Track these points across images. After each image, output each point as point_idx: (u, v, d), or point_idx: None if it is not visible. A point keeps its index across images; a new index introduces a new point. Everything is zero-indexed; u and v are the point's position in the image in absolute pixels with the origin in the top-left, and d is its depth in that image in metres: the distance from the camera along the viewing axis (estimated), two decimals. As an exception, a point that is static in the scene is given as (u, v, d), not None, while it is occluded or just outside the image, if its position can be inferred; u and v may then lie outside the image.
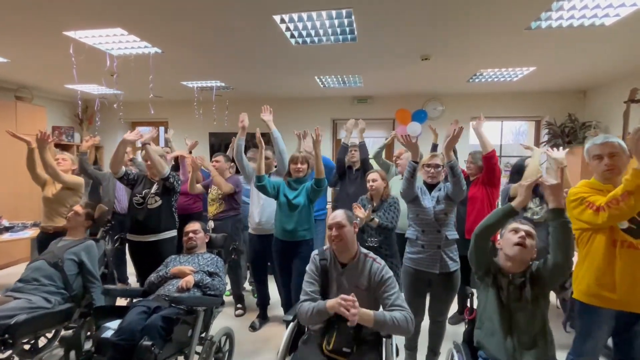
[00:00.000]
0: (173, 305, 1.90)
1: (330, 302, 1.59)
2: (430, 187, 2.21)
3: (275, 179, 2.76)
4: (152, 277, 2.19)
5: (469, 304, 1.83)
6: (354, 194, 3.13)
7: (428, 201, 2.14)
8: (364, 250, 1.80)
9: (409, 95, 5.14)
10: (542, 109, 4.93)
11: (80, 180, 3.16)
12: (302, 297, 1.74)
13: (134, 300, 2.11)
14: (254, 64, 3.65)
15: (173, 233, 2.80)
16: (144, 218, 2.67)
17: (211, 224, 3.12)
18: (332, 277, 1.77)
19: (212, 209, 3.17)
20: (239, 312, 3.22)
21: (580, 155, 4.20)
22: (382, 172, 2.65)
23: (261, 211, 2.84)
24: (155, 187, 2.74)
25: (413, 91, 4.98)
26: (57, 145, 5.54)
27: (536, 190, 2.33)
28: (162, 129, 6.30)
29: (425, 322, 2.23)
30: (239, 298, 3.28)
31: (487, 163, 2.59)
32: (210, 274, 2.23)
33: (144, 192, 2.72)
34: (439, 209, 2.10)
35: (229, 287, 3.34)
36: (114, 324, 1.89)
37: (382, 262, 1.74)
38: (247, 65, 3.72)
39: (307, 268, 1.83)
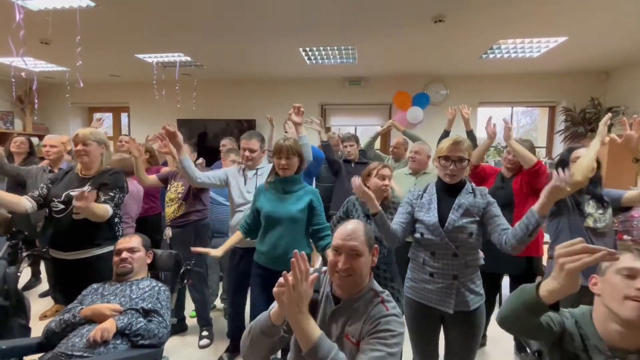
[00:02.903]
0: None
1: (275, 308, 1.00)
2: (451, 189, 1.51)
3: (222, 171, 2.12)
4: (54, 321, 1.47)
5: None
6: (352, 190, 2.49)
7: (435, 212, 1.47)
8: (377, 287, 1.14)
9: (408, 76, 4.49)
10: (558, 93, 4.37)
11: None
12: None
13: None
14: (223, 26, 2.90)
15: (108, 248, 1.99)
16: (67, 230, 1.86)
17: (169, 232, 2.43)
18: (319, 319, 1.13)
19: (169, 211, 2.46)
20: (205, 341, 2.55)
21: (606, 146, 3.65)
22: (391, 167, 1.97)
23: None
24: (88, 189, 1.86)
25: (413, 72, 4.33)
26: (-8, 134, 4.66)
27: (593, 191, 1.77)
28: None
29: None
30: (205, 322, 2.60)
31: (533, 177, 2.01)
32: (146, 313, 1.53)
33: (63, 195, 1.87)
34: (460, 225, 1.41)
35: (194, 307, 2.66)
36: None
37: (392, 310, 1.06)
38: (215, 28, 2.96)
39: None
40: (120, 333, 1.41)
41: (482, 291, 1.48)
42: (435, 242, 1.44)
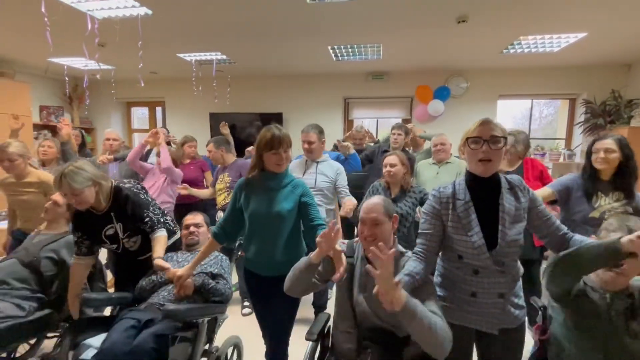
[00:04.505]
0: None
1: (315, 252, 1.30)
2: (485, 186, 1.22)
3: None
4: (144, 281, 1.82)
5: (539, 320, 1.45)
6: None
7: (478, 229, 1.18)
8: (401, 248, 1.43)
9: (429, 70, 4.64)
10: (579, 86, 4.43)
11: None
12: None
13: (122, 310, 1.76)
14: (261, 28, 3.17)
15: (174, 237, 2.14)
16: (131, 256, 1.93)
17: (221, 214, 2.81)
18: (356, 277, 1.41)
19: (219, 199, 2.83)
20: (247, 310, 2.90)
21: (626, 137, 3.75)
22: (403, 155, 2.23)
23: None
24: (118, 225, 1.80)
25: (435, 66, 4.48)
26: (45, 127, 5.14)
27: (619, 182, 1.73)
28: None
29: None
30: (246, 294, 2.95)
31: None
32: (213, 276, 1.86)
33: (104, 237, 1.80)
34: (513, 240, 1.18)
35: (235, 280, 3.01)
36: (97, 340, 1.54)
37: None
38: (254, 31, 3.24)
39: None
40: (197, 290, 1.75)
41: (524, 302, 1.29)
42: (481, 258, 1.18)
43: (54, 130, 5.19)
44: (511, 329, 1.24)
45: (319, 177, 2.29)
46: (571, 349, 1.22)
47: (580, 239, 1.20)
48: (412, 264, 1.24)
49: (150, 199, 1.90)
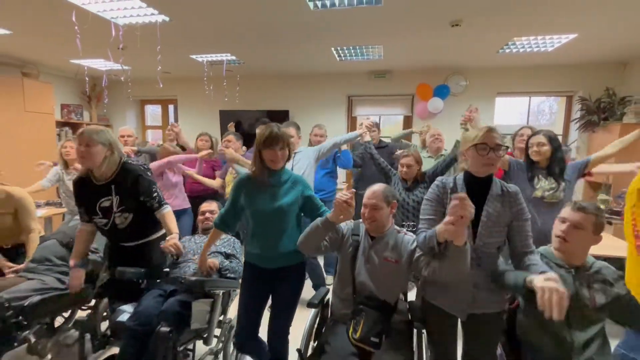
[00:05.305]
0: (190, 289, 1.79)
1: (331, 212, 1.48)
2: (480, 186, 1.37)
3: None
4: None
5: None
6: (378, 174, 2.97)
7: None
8: (397, 227, 1.68)
9: (430, 69, 4.82)
10: (575, 83, 4.56)
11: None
12: None
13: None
14: (268, 32, 3.40)
15: (161, 232, 2.06)
16: (120, 236, 1.92)
17: None
18: (360, 251, 1.67)
19: (228, 190, 3.12)
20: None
21: (617, 133, 3.90)
22: (418, 155, 2.56)
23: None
24: (116, 198, 1.80)
25: (435, 65, 4.66)
26: (66, 124, 5.47)
27: (552, 169, 2.11)
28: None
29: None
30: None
31: None
32: (227, 256, 2.12)
33: (98, 209, 1.81)
34: (488, 242, 1.34)
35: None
36: (130, 307, 1.82)
37: (413, 235, 1.59)
38: (261, 34, 3.46)
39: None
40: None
41: (500, 292, 1.40)
42: None
43: (74, 128, 5.53)
44: (488, 315, 1.38)
45: (295, 167, 2.55)
46: (536, 317, 1.41)
47: (533, 263, 1.27)
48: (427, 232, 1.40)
49: (153, 179, 1.93)
